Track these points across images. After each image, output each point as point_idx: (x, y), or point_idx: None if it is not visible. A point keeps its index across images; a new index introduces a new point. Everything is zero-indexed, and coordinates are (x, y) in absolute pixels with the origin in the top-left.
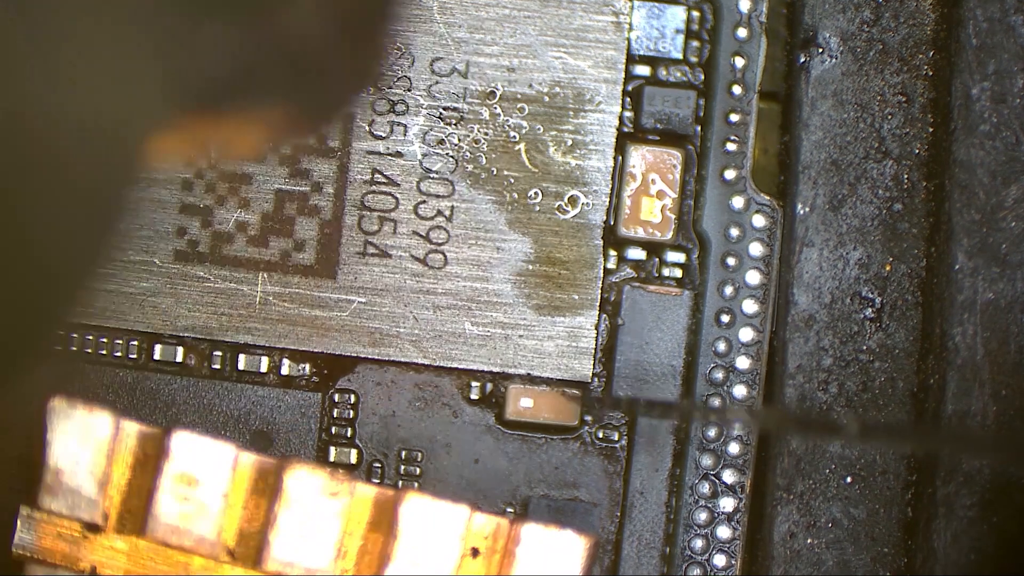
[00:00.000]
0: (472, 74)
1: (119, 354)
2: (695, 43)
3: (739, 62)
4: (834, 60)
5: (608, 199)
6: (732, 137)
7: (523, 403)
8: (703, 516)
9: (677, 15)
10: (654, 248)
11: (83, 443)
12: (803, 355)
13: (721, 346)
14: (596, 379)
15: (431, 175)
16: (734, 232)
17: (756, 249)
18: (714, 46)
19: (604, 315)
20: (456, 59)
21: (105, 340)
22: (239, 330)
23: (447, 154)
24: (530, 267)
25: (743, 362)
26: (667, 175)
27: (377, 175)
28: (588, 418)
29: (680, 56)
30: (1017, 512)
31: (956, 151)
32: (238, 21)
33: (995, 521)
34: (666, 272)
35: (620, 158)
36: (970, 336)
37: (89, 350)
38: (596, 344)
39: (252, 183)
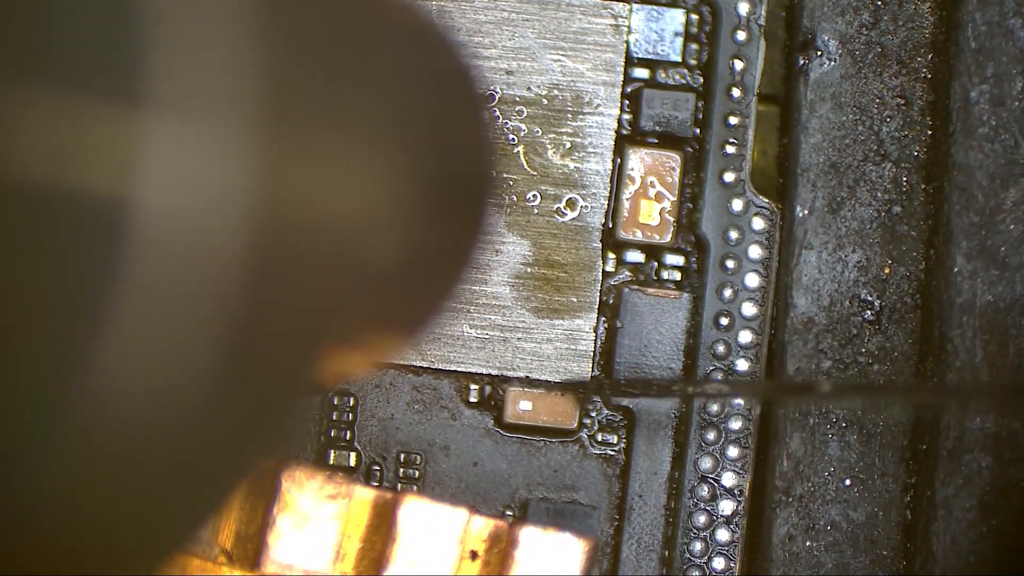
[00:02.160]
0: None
1: None
2: (694, 46)
3: (738, 65)
4: (833, 63)
5: (607, 202)
6: (731, 140)
7: (522, 406)
8: (702, 519)
9: (676, 18)
10: (653, 251)
11: None
12: (802, 358)
13: (720, 348)
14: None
15: None
16: (733, 235)
17: (755, 252)
18: (713, 49)
19: (603, 318)
20: None
21: None
22: None
23: None
24: (528, 270)
25: (742, 365)
26: (666, 178)
27: None
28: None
29: (679, 59)
30: (1017, 514)
31: (955, 154)
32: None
33: (994, 524)
34: (665, 275)
35: (619, 161)
36: (969, 339)
37: None
38: (595, 347)
39: None
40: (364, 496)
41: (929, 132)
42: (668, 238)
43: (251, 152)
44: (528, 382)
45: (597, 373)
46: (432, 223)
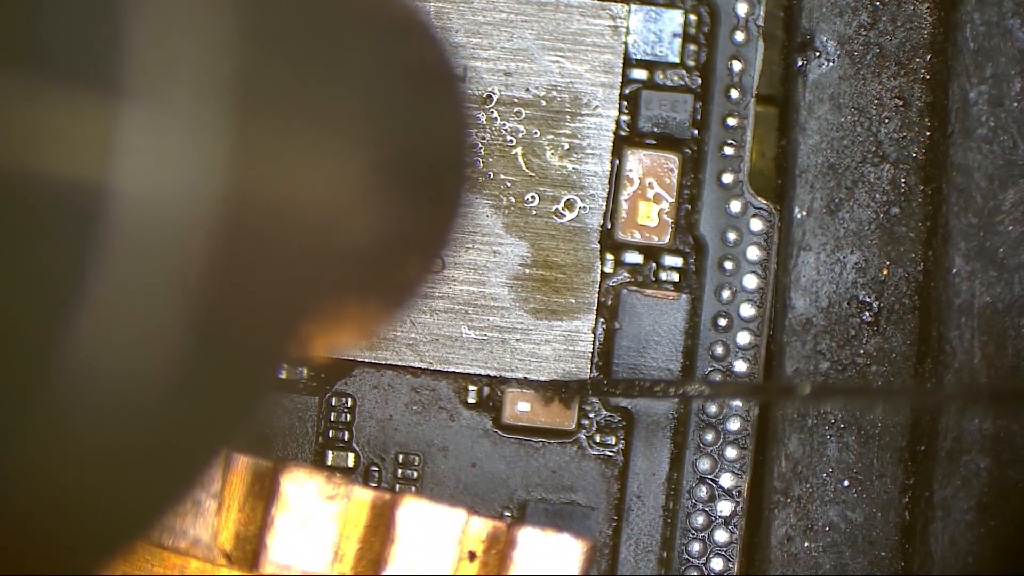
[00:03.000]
0: (469, 78)
1: None
2: (692, 47)
3: (736, 66)
4: (831, 64)
5: (605, 203)
6: (729, 141)
7: (520, 407)
8: (700, 520)
9: (674, 19)
10: (651, 252)
11: None
12: (800, 359)
13: (719, 350)
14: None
15: None
16: (731, 236)
17: (753, 253)
18: (711, 50)
19: (601, 319)
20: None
21: None
22: None
23: None
24: (527, 271)
25: (740, 366)
26: (664, 179)
27: None
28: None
29: (677, 60)
30: (1015, 516)
31: (953, 155)
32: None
33: (993, 525)
34: (663, 276)
35: (617, 162)
36: (967, 340)
37: None
38: (593, 348)
39: None
40: (362, 497)
41: (927, 133)
42: (666, 239)
43: (225, 138)
44: (526, 383)
45: (595, 374)
46: (405, 205)
